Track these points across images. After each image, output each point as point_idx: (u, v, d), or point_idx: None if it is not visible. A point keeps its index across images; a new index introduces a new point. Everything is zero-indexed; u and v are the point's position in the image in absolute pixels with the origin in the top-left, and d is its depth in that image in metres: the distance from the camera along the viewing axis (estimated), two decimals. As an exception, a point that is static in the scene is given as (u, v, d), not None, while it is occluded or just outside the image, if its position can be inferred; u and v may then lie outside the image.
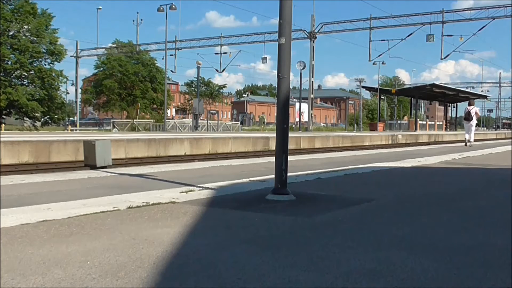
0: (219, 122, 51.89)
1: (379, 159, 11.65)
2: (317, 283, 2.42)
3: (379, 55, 41.70)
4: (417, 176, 8.13)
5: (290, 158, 5.75)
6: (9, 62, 36.12)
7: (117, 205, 4.42)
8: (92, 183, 6.72)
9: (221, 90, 74.98)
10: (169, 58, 42.89)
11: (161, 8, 36.69)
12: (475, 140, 20.22)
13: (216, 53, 47.02)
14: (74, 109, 57.94)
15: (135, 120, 47.01)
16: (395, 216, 4.35)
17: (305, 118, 58.17)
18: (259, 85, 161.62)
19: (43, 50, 37.77)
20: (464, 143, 19.16)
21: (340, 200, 5.09)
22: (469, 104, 19.55)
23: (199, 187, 5.82)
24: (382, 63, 56.71)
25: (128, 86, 51.75)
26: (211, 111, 68.71)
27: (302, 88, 48.20)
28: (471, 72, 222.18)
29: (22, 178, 7.25)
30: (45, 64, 38.35)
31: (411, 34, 38.95)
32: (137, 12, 63.41)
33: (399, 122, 62.95)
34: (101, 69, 52.77)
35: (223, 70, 48.08)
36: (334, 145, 26.38)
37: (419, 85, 64.27)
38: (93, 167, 11.30)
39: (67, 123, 49.00)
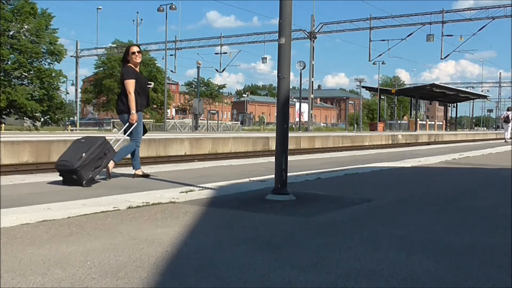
0: (219, 122, 51.91)
1: (379, 159, 11.65)
2: (317, 283, 2.41)
3: (379, 55, 41.89)
4: (417, 176, 8.13)
5: (290, 158, 5.75)
6: (9, 62, 36.15)
7: (117, 205, 4.42)
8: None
9: (221, 90, 74.98)
10: (169, 58, 42.99)
11: (161, 8, 36.76)
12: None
13: (216, 53, 47.19)
14: (74, 109, 57.93)
15: (135, 120, 46.82)
16: (395, 216, 4.35)
17: (305, 118, 58.17)
18: (259, 85, 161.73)
19: (43, 50, 37.82)
20: (504, 140, 24.81)
21: (340, 200, 5.09)
22: (508, 110, 25.50)
23: (199, 187, 5.81)
24: (382, 63, 56.95)
25: (128, 86, 51.69)
26: (211, 111, 68.75)
27: (302, 88, 48.25)
28: (471, 72, 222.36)
29: (22, 178, 7.24)
30: (45, 64, 38.41)
31: (411, 34, 39.12)
32: (137, 12, 63.14)
33: (399, 122, 62.95)
34: (101, 69, 52.88)
35: (223, 70, 48.22)
36: (334, 145, 26.37)
37: (419, 85, 64.29)
38: (93, 167, 11.27)
39: (67, 123, 49.01)
